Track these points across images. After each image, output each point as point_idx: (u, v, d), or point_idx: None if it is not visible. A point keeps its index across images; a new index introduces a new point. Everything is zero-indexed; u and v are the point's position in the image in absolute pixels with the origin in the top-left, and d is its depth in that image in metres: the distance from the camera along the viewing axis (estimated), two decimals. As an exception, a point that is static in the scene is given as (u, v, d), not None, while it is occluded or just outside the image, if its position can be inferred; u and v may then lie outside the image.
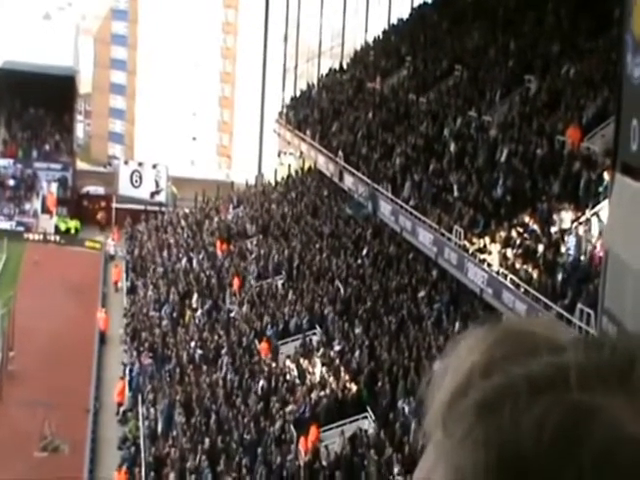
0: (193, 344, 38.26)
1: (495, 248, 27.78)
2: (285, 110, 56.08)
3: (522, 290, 25.15)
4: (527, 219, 27.95)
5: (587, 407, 0.82)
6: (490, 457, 0.82)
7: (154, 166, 67.84)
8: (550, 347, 0.88)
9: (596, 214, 25.21)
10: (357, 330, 33.07)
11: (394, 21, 55.74)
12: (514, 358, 0.87)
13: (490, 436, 0.83)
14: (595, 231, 24.74)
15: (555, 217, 26.92)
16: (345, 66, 56.01)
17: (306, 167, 53.34)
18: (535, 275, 25.38)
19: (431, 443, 0.89)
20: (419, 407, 0.95)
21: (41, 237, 62.16)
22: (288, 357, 33.94)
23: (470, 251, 28.68)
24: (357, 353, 31.51)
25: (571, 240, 25.50)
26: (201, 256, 48.54)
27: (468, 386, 0.88)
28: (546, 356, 0.86)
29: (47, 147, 70.41)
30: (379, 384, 29.32)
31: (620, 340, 0.88)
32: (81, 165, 75.19)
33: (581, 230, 25.62)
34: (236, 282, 42.52)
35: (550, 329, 0.91)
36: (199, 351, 37.29)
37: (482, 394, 0.86)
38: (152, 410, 35.21)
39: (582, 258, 24.72)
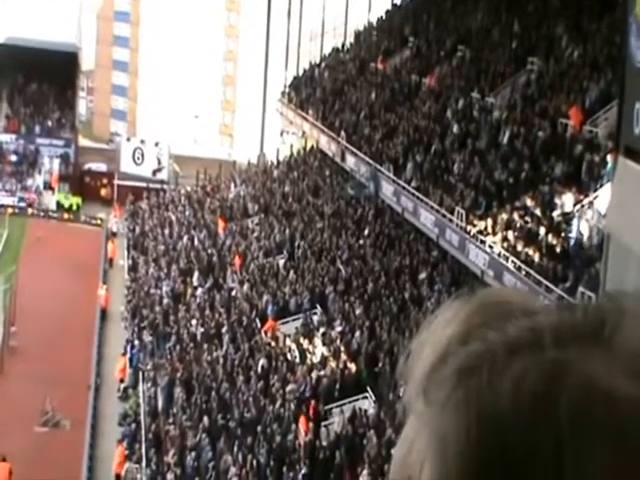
0: (194, 322, 38.36)
1: (497, 230, 27.83)
2: (288, 89, 55.99)
3: (523, 273, 25.21)
4: (529, 202, 27.98)
5: (562, 364, 0.84)
6: (471, 418, 0.85)
7: (156, 144, 67.78)
8: (525, 312, 0.90)
9: (598, 197, 25.24)
10: (358, 310, 33.16)
11: (397, 1, 55.59)
12: (491, 324, 0.89)
13: (470, 398, 0.85)
14: (598, 214, 24.78)
15: (557, 200, 26.95)
16: (348, 46, 55.88)
17: (308, 147, 53.31)
18: (536, 258, 25.44)
19: (412, 414, 0.91)
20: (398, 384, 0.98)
21: (43, 213, 62.20)
22: (288, 336, 34.04)
23: (471, 233, 28.73)
24: (357, 333, 31.60)
25: (573, 223, 25.54)
26: (202, 234, 48.61)
27: (447, 354, 0.90)
28: (521, 320, 0.89)
29: (49, 123, 70.35)
30: (379, 365, 29.43)
31: (592, 302, 0.90)
32: (83, 142, 75.13)
33: (583, 213, 25.65)
34: (237, 261, 42.60)
35: (524, 297, 0.94)
36: (200, 329, 37.40)
37: (461, 359, 0.88)
38: (153, 387, 35.35)
39: (584, 241, 24.77)
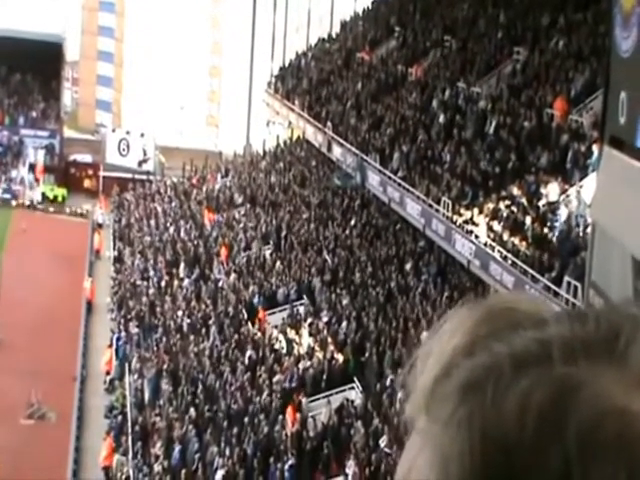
0: (180, 313, 38.29)
1: (483, 220, 27.84)
2: (274, 80, 55.89)
3: (510, 262, 25.23)
4: (515, 191, 28.00)
5: (571, 381, 0.79)
6: (474, 438, 0.80)
7: (142, 135, 67.55)
8: (533, 322, 0.85)
9: (584, 187, 25.27)
10: (344, 301, 33.15)
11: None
12: (497, 335, 0.85)
13: (474, 416, 0.81)
14: (583, 204, 24.80)
15: (543, 190, 26.98)
16: (334, 36, 55.80)
17: (294, 137, 53.24)
18: (523, 247, 25.46)
19: (415, 429, 0.86)
20: (403, 392, 0.93)
21: (28, 204, 61.91)
22: (275, 327, 34.02)
23: (458, 223, 28.74)
24: (344, 324, 31.59)
25: (559, 213, 25.57)
26: (188, 225, 48.52)
27: (452, 367, 0.85)
28: (529, 331, 0.84)
29: (34, 114, 70.00)
30: (366, 355, 29.43)
31: (604, 312, 0.86)
32: (68, 132, 74.81)
33: (569, 202, 25.68)
34: (223, 252, 42.54)
35: (534, 304, 0.89)
36: (186, 320, 37.34)
37: (466, 374, 0.84)
38: (139, 379, 35.27)
39: (570, 231, 24.80)
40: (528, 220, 26.27)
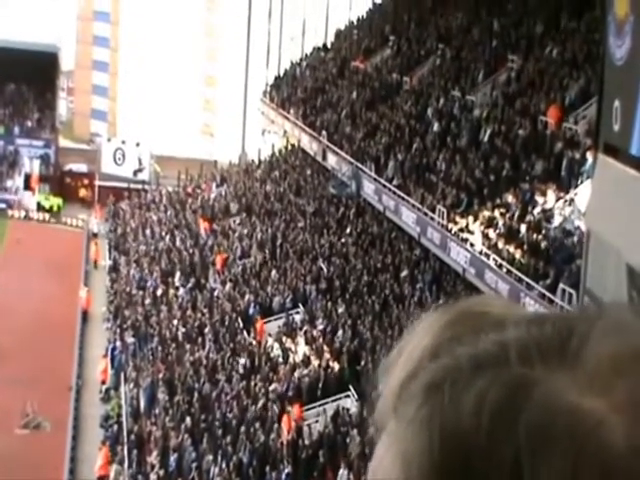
0: (176, 322, 38.27)
1: (478, 228, 27.85)
2: (269, 89, 55.95)
3: (505, 270, 25.23)
4: (510, 199, 28.02)
5: (525, 381, 0.82)
6: (433, 436, 0.82)
7: (137, 144, 67.57)
8: (495, 325, 0.88)
9: (578, 194, 25.29)
10: (340, 309, 33.14)
11: (378, 0, 55.62)
12: (462, 338, 0.88)
13: (434, 415, 0.83)
14: (578, 211, 24.82)
15: (538, 197, 27.00)
16: (329, 45, 55.89)
17: (290, 146, 53.27)
18: (518, 255, 25.47)
19: (384, 430, 0.89)
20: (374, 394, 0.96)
21: (23, 214, 61.92)
22: (271, 336, 34.00)
23: (453, 231, 28.75)
24: (340, 332, 31.58)
25: (554, 220, 25.59)
26: (184, 234, 48.51)
27: (419, 369, 0.88)
28: (490, 335, 0.87)
29: (29, 124, 70.03)
30: (362, 363, 29.42)
31: (563, 314, 0.88)
32: (64, 142, 74.83)
33: (564, 210, 25.70)
34: (219, 260, 42.53)
35: (503, 308, 0.91)
36: (182, 329, 37.31)
37: (429, 375, 0.86)
38: (135, 388, 35.23)
39: (565, 238, 24.81)
40: (523, 228, 26.28)
